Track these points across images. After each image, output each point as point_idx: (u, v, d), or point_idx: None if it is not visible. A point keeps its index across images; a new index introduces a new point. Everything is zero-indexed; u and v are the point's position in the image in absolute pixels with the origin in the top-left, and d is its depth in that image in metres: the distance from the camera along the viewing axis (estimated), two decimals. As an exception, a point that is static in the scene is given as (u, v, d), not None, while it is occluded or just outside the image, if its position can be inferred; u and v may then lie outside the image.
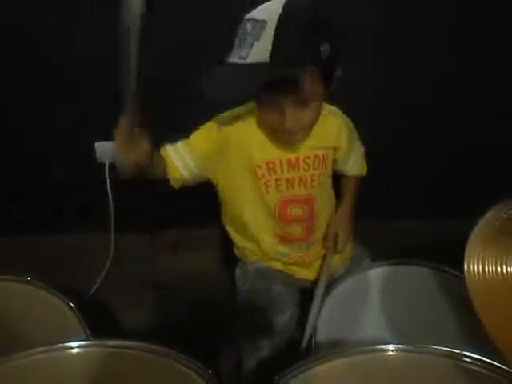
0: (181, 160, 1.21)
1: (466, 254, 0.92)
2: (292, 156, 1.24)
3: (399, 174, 1.82)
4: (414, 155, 1.84)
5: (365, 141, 1.46)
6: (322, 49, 1.03)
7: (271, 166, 1.24)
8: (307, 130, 1.18)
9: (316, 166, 1.27)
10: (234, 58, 1.06)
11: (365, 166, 1.48)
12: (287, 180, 1.26)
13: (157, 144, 1.18)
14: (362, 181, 1.48)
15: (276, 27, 0.99)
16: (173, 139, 1.24)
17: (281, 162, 1.24)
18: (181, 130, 1.24)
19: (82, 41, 1.62)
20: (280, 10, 1.00)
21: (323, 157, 1.28)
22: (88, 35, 1.60)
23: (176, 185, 1.24)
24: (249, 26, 1.04)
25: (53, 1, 1.60)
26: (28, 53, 1.66)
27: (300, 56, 1.01)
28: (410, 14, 1.65)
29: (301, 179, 1.27)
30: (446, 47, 1.70)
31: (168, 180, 1.24)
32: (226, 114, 1.26)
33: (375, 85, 1.68)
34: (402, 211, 1.83)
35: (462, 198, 1.79)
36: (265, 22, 1.01)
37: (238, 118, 1.24)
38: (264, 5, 1.06)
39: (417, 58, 1.70)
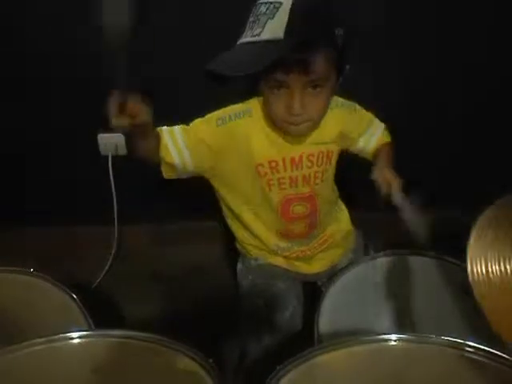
0: (174, 145, 1.15)
1: (468, 256, 0.91)
2: (295, 154, 1.21)
3: (400, 163, 1.82)
4: (416, 145, 1.84)
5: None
6: (336, 32, 1.03)
7: (274, 164, 1.21)
8: (313, 120, 1.14)
9: (320, 162, 1.25)
10: (245, 38, 1.05)
11: (387, 136, 1.41)
12: (290, 178, 1.24)
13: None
14: (391, 146, 1.40)
15: (291, 6, 0.99)
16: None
17: (284, 161, 1.21)
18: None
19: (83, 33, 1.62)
20: None
21: (328, 152, 1.25)
22: (88, 29, 1.61)
23: (166, 171, 1.19)
24: (262, 8, 1.03)
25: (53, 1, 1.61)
26: (29, 44, 1.66)
27: (316, 34, 1.00)
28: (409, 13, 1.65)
29: (304, 177, 1.24)
30: (446, 46, 1.71)
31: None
32: (228, 109, 1.21)
33: (375, 84, 1.67)
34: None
35: (461, 187, 1.80)
36: (279, 2, 1.00)
37: (240, 114, 1.20)
38: None
39: (417, 56, 1.70)
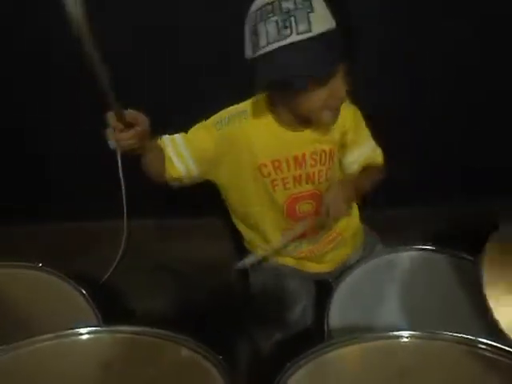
0: (177, 153, 1.17)
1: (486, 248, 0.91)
2: (298, 153, 1.21)
3: (411, 160, 1.81)
4: (427, 141, 1.83)
5: (375, 132, 1.39)
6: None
7: (277, 164, 1.21)
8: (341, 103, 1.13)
9: (323, 161, 1.24)
10: (289, 38, 0.99)
11: (379, 156, 1.34)
12: (294, 178, 1.23)
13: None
14: (378, 171, 1.35)
15: None
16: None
17: (287, 160, 1.21)
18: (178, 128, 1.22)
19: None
20: None
21: (330, 151, 1.24)
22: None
23: (171, 180, 1.19)
24: (287, 4, 0.98)
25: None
26: (36, 36, 1.66)
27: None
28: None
29: (308, 176, 1.24)
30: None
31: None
32: (225, 112, 1.21)
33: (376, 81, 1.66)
34: (416, 197, 1.82)
35: (473, 184, 1.78)
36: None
37: (239, 116, 1.19)
38: None
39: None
